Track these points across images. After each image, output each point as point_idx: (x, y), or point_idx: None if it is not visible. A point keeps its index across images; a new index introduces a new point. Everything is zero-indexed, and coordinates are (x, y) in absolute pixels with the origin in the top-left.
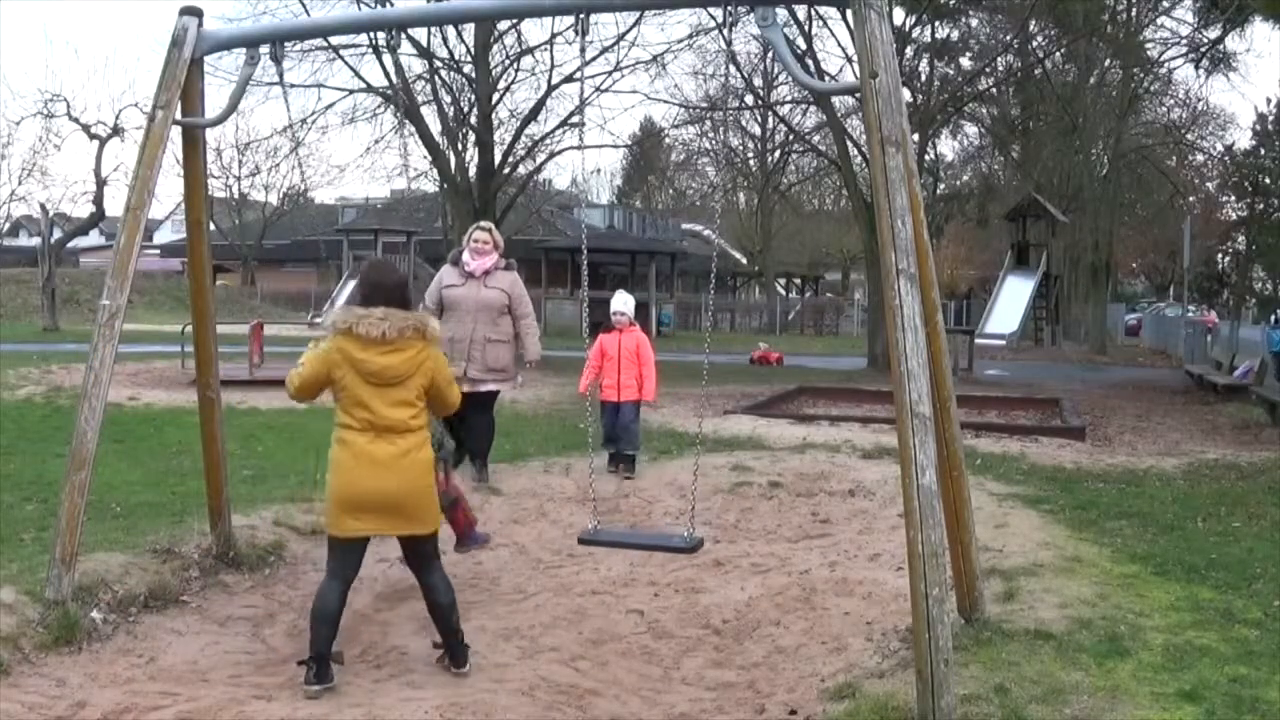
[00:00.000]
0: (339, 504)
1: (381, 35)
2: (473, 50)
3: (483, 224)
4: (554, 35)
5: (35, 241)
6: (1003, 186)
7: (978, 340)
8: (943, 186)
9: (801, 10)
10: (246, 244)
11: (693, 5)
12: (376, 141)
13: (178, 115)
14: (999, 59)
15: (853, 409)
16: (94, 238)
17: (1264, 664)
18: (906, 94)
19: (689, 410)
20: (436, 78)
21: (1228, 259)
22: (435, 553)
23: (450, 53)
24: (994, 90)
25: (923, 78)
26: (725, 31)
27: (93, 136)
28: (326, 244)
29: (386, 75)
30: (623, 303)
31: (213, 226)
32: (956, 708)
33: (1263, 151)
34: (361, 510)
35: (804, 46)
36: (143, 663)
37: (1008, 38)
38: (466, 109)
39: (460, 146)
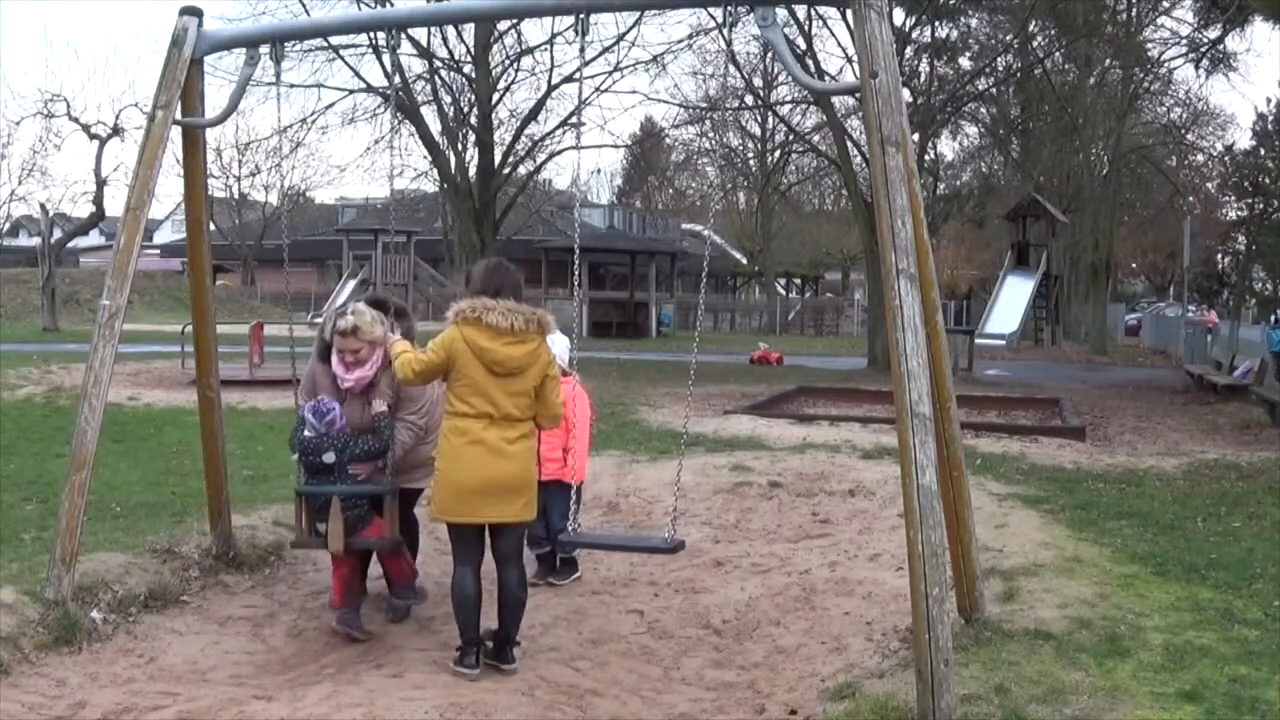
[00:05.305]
0: (454, 490)
1: (381, 35)
2: (473, 50)
3: (346, 319)
4: (554, 35)
5: (35, 241)
6: (1003, 186)
7: (978, 340)
8: (943, 186)
9: (801, 10)
10: (246, 244)
11: (693, 5)
12: (376, 141)
13: (178, 115)
14: (999, 59)
15: (853, 409)
16: (94, 238)
17: (1264, 664)
18: (906, 94)
19: (689, 410)
20: (436, 78)
21: (1228, 259)
22: (522, 546)
23: (450, 53)
24: (994, 90)
25: (923, 78)
26: (725, 31)
27: (93, 136)
28: (326, 244)
29: (387, 76)
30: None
31: (213, 226)
32: (956, 708)
33: (1263, 151)
34: (477, 495)
35: (804, 46)
36: (143, 663)
37: (1008, 38)
38: (466, 109)
39: (460, 146)
